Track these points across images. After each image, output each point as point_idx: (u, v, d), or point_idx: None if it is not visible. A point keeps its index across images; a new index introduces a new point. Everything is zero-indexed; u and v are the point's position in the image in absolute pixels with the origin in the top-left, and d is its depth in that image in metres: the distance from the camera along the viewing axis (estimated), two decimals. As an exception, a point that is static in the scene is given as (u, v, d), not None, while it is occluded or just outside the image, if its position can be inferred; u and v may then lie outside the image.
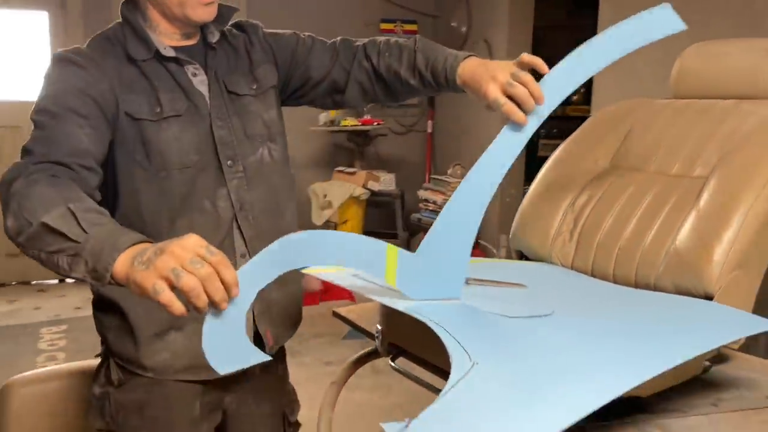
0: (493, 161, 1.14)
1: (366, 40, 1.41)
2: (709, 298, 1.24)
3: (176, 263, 0.81)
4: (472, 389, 0.92)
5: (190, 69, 1.23)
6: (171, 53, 1.21)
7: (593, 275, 1.43)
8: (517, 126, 1.13)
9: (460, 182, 1.14)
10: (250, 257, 1.06)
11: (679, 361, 0.97)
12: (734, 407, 1.14)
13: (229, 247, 1.25)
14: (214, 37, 1.26)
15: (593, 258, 1.44)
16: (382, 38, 1.39)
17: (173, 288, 0.81)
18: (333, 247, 1.07)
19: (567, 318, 1.14)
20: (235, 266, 0.89)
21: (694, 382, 1.20)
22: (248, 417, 1.42)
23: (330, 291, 4.09)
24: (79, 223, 0.90)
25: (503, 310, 1.12)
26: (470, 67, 1.21)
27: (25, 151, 1.07)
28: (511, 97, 1.11)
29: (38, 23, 4.66)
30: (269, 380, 1.45)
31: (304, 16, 4.92)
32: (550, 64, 1.17)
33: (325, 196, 4.49)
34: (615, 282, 1.38)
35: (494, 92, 1.12)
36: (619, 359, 0.99)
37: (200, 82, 1.24)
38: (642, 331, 1.10)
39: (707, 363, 1.26)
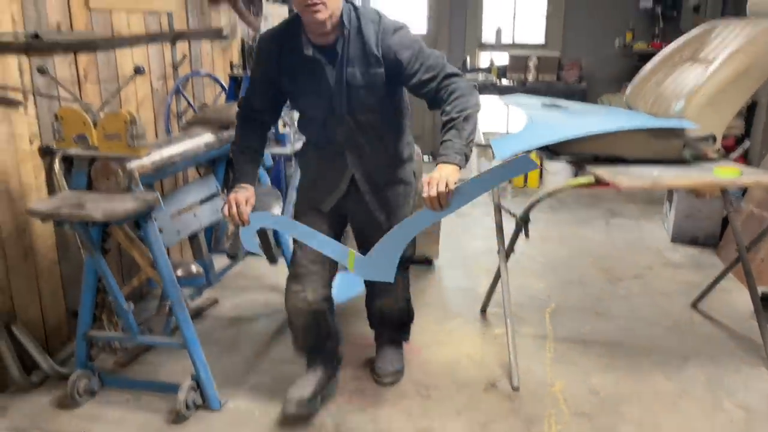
0: (410, 226, 1.87)
1: (448, 108, 1.86)
2: (688, 120, 2.40)
3: (230, 203, 1.96)
4: (524, 129, 2.39)
5: None
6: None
7: (650, 114, 2.63)
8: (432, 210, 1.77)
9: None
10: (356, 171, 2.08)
11: (616, 127, 2.26)
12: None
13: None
14: None
15: (651, 105, 2.63)
16: (449, 113, 1.85)
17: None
18: (318, 239, 1.95)
19: (590, 116, 2.48)
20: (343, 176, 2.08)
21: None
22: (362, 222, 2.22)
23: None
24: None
25: (554, 112, 2.52)
26: (439, 165, 1.80)
27: None
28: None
29: (422, -23, 6.66)
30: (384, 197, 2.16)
31: None
32: None
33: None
34: (655, 116, 2.58)
35: (424, 187, 1.74)
36: (596, 123, 2.32)
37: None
38: (616, 119, 2.39)
39: (688, 156, 2.42)
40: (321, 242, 1.99)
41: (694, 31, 2.75)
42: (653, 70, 2.76)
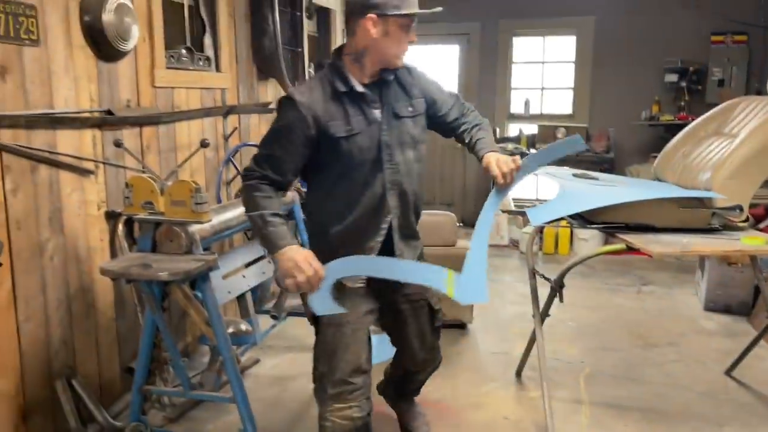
0: (487, 213, 2.04)
1: (469, 119, 2.21)
2: (714, 192, 2.51)
3: (301, 267, 1.81)
4: (557, 198, 2.52)
5: None
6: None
7: (676, 184, 2.75)
8: (501, 189, 2.05)
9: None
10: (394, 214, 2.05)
11: (645, 196, 2.38)
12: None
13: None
14: None
15: (679, 176, 2.76)
16: (471, 122, 2.20)
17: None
18: (404, 266, 1.97)
19: (620, 186, 2.60)
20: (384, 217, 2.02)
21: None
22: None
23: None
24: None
25: (587, 182, 2.65)
26: (486, 156, 2.06)
27: None
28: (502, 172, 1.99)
29: (452, 54, 7.03)
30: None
31: (644, 31, 6.18)
32: None
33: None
34: (683, 187, 2.69)
35: (493, 167, 2.00)
36: (626, 193, 2.44)
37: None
38: (645, 190, 2.51)
39: (716, 225, 2.52)
40: (410, 269, 1.99)
41: (719, 107, 2.89)
42: (680, 142, 2.90)
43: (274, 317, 3.19)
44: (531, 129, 6.55)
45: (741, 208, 2.48)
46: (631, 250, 2.39)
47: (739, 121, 2.71)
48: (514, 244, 5.95)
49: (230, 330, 2.53)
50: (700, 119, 2.93)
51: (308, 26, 4.74)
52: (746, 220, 2.55)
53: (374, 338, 2.15)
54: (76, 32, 2.50)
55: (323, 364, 2.00)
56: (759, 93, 5.89)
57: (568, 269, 2.58)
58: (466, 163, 6.91)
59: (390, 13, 1.89)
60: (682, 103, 6.05)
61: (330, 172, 2.01)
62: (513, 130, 6.81)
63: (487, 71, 6.78)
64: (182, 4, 3.35)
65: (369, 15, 1.89)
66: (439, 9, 2.00)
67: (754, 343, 3.02)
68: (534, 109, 6.81)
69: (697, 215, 2.50)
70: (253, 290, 3.18)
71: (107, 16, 2.55)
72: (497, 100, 6.79)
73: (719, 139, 2.72)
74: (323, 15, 5.23)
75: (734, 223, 2.55)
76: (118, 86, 2.75)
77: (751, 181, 2.49)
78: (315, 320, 2.05)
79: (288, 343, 3.54)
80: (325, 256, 1.93)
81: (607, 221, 2.52)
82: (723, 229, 2.53)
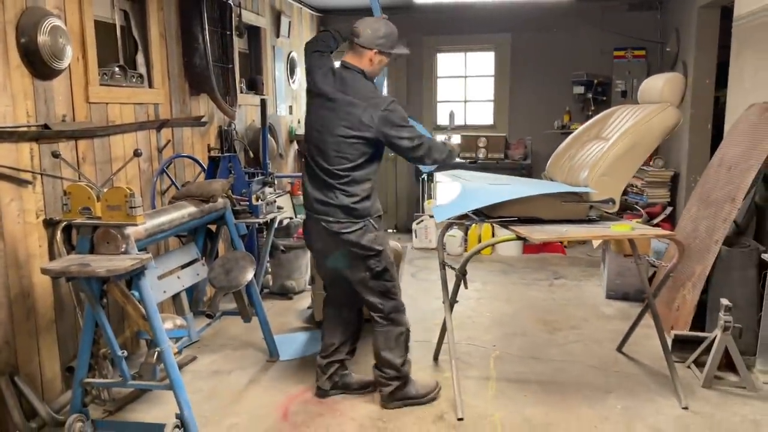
0: None
1: None
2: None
3: None
4: (457, 197, 2.88)
5: None
6: None
7: (563, 182, 3.15)
8: None
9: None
10: None
11: (532, 193, 2.76)
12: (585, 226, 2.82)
13: None
14: None
15: (566, 176, 3.16)
16: None
17: None
18: None
19: (514, 185, 2.98)
20: None
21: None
22: None
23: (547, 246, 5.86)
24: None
25: (486, 182, 3.02)
26: None
27: None
28: None
29: (381, 67, 7.39)
30: None
31: (554, 47, 6.71)
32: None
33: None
34: (569, 185, 3.09)
35: None
36: (516, 191, 2.81)
37: None
38: (534, 188, 2.89)
39: (593, 216, 2.92)
40: None
41: (600, 115, 3.33)
42: (567, 146, 3.31)
43: (209, 316, 3.41)
44: (455, 139, 6.96)
45: (613, 201, 2.89)
46: (520, 238, 2.74)
47: (614, 127, 3.14)
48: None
49: (167, 325, 2.74)
50: (584, 125, 3.35)
51: (239, 44, 4.99)
52: (640, 216, 2.97)
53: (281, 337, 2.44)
54: (13, 53, 2.69)
55: (396, 293, 2.85)
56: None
57: (468, 258, 2.93)
58: (397, 173, 7.27)
59: (385, 51, 2.80)
60: (589, 113, 6.55)
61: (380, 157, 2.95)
62: (439, 139, 7.19)
63: (414, 85, 7.18)
64: (114, 25, 3.56)
65: (374, 50, 2.76)
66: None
67: (637, 321, 3.45)
68: (458, 121, 7.24)
69: (577, 208, 2.89)
70: (189, 291, 3.40)
71: (42, 38, 2.76)
72: (424, 111, 7.19)
73: (598, 142, 3.14)
74: (254, 32, 5.49)
75: (609, 215, 2.96)
76: (54, 102, 2.95)
77: (620, 177, 2.90)
78: (381, 270, 2.81)
79: (223, 341, 3.76)
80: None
81: (503, 215, 2.88)
82: (599, 220, 2.94)
